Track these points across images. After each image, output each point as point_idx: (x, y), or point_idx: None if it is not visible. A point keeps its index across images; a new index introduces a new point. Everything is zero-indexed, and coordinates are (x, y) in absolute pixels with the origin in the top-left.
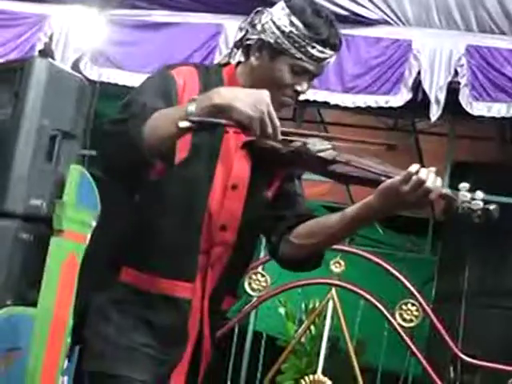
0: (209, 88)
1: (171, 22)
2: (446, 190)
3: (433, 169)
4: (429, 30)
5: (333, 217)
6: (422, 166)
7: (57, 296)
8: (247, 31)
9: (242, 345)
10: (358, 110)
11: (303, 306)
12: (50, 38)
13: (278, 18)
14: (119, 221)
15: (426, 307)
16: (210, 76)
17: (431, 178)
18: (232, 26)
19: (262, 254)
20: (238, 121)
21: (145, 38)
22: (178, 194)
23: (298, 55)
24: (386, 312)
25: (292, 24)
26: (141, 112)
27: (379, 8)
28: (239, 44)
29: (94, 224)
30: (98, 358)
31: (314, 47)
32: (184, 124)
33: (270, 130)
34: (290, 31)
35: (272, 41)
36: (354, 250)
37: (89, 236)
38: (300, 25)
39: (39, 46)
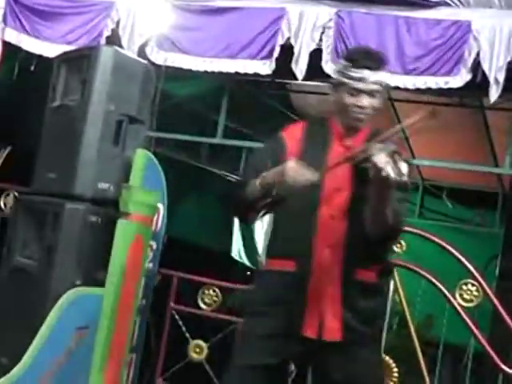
0: (312, 134)
1: (234, 6)
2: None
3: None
4: (488, 11)
5: None
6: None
7: (124, 276)
8: None
9: None
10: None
11: None
12: (117, 24)
13: (336, 66)
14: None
15: (487, 288)
16: (315, 125)
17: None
18: (294, 10)
19: None
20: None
21: (209, 22)
22: (296, 201)
23: (346, 81)
24: (445, 291)
25: (340, 64)
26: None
27: None
28: None
29: (159, 206)
30: None
31: (352, 71)
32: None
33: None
34: (339, 68)
35: (334, 81)
36: (415, 230)
37: (155, 218)
38: (343, 61)
39: (107, 32)
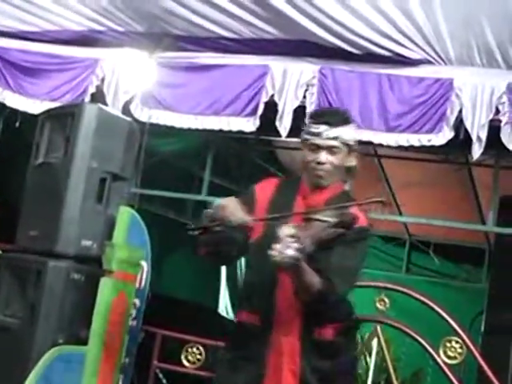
0: (282, 191)
1: (219, 63)
2: None
3: None
4: (470, 69)
5: None
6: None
7: (107, 334)
8: None
9: None
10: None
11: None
12: (102, 81)
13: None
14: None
15: (471, 346)
16: (289, 182)
17: None
18: (277, 67)
19: None
20: None
21: (193, 79)
22: (260, 258)
23: (305, 136)
24: (429, 349)
25: (306, 123)
26: None
27: (422, 48)
28: None
29: (143, 263)
30: None
31: (310, 127)
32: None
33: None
34: (304, 127)
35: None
36: (400, 288)
37: (138, 275)
38: (307, 119)
39: (91, 89)
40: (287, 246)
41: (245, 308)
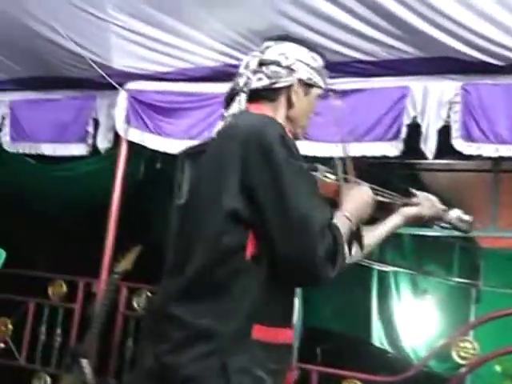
0: None
1: (355, 88)
2: None
3: None
4: None
5: None
6: None
7: None
8: (249, 77)
9: None
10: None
11: None
12: None
13: (303, 57)
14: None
15: None
16: None
17: None
18: (417, 87)
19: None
20: None
21: (331, 106)
22: None
23: (323, 84)
24: None
25: (314, 59)
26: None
27: None
28: (246, 90)
29: None
30: None
31: (326, 78)
32: None
33: None
34: (316, 66)
35: (305, 78)
36: None
37: None
38: (318, 58)
39: None
40: None
41: (281, 322)
